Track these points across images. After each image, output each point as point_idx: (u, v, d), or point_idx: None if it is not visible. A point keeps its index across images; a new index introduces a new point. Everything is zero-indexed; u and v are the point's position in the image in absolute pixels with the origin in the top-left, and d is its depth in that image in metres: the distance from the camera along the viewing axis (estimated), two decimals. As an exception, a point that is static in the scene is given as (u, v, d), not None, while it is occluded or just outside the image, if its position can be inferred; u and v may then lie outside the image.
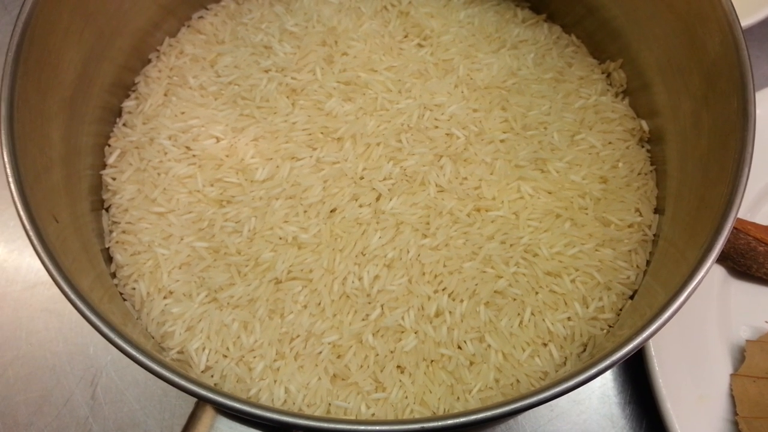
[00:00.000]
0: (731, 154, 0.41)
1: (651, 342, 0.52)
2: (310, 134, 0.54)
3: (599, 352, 0.46)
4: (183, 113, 0.56)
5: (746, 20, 0.68)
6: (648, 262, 0.51)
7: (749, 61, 0.42)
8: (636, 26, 0.55)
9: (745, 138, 0.40)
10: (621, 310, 0.50)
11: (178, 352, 0.47)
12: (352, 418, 0.45)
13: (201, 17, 0.62)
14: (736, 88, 0.42)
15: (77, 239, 0.44)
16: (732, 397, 0.51)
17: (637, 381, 0.55)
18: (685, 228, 0.47)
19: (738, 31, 0.43)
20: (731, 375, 0.52)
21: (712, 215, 0.42)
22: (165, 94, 0.57)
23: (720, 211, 0.41)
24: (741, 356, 0.53)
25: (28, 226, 0.38)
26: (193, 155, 0.54)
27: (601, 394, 0.56)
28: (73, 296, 0.35)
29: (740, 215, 0.59)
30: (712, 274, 0.56)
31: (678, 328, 0.53)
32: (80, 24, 0.48)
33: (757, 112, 0.63)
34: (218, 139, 0.54)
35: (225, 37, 0.60)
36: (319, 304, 0.48)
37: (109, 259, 0.51)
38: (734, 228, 0.54)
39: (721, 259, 0.57)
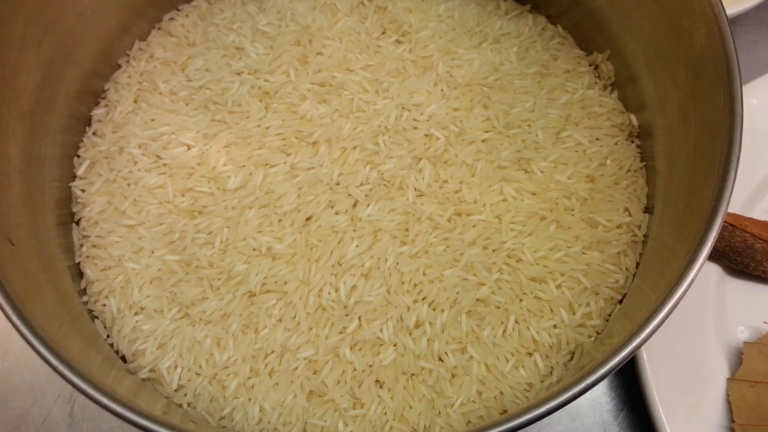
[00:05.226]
0: (718, 156, 0.38)
1: (643, 346, 0.50)
2: (284, 139, 0.52)
3: (587, 360, 0.45)
4: (153, 120, 0.54)
5: (743, 4, 0.65)
6: (637, 264, 0.49)
7: (736, 56, 0.40)
8: (621, 17, 0.53)
9: (732, 137, 0.38)
10: (609, 315, 0.48)
11: (150, 371, 0.45)
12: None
13: (172, 19, 0.60)
14: (722, 84, 0.40)
15: (37, 259, 0.43)
16: (729, 403, 0.49)
17: (631, 386, 0.53)
18: (675, 227, 0.45)
19: (724, 24, 0.41)
20: (728, 379, 0.50)
21: (699, 218, 0.40)
22: (135, 101, 0.56)
23: (706, 215, 0.39)
24: (738, 359, 0.51)
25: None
26: (164, 164, 0.52)
27: (593, 400, 0.54)
28: (22, 328, 0.33)
29: (737, 210, 0.56)
30: (707, 274, 0.54)
31: (672, 330, 0.51)
32: (37, 34, 0.46)
33: (753, 101, 0.61)
34: (189, 147, 0.52)
35: (196, 39, 0.58)
36: (294, 317, 0.46)
37: (80, 275, 0.49)
38: (730, 225, 0.52)
39: (717, 258, 0.54)
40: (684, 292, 0.38)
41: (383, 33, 0.58)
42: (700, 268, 0.38)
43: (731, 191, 0.38)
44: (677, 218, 0.45)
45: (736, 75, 0.39)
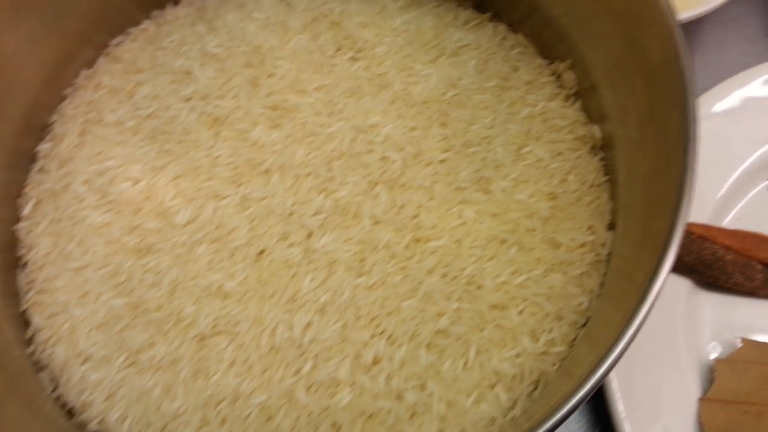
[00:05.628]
0: (673, 180, 0.37)
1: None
2: (234, 168, 0.50)
3: (554, 391, 0.43)
4: (100, 154, 0.52)
5: (711, 3, 0.63)
6: (601, 285, 0.47)
7: (691, 73, 0.38)
8: (579, 26, 0.51)
9: (685, 163, 0.36)
10: (574, 341, 0.46)
11: (99, 423, 0.44)
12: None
13: (119, 44, 0.58)
14: (677, 102, 0.38)
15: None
16: (700, 425, 0.48)
17: (599, 408, 0.52)
18: (636, 243, 0.44)
19: (679, 38, 0.39)
20: (699, 399, 0.49)
21: (658, 236, 0.38)
22: (81, 133, 0.54)
23: (664, 236, 0.37)
24: (711, 377, 0.49)
25: None
26: (110, 200, 0.50)
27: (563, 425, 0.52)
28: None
29: (706, 220, 0.55)
30: (676, 288, 0.53)
31: (641, 349, 0.50)
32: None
33: (722, 105, 0.60)
34: (136, 181, 0.51)
35: (144, 65, 0.56)
36: (247, 360, 0.44)
37: (26, 324, 0.48)
38: (699, 237, 0.50)
39: (686, 272, 0.53)
40: (647, 313, 0.36)
41: (338, 50, 0.56)
42: (660, 290, 0.36)
43: (687, 216, 0.36)
44: (639, 233, 0.44)
45: (690, 94, 0.37)
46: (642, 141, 0.44)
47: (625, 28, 0.45)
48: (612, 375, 0.49)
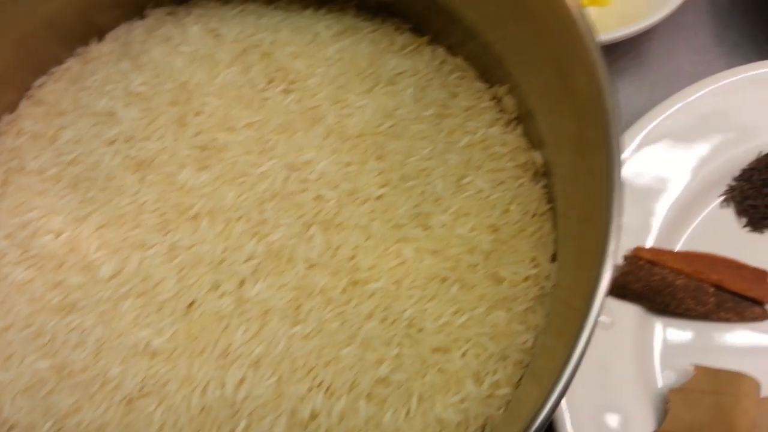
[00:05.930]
0: (600, 227, 0.35)
1: (564, 403, 0.47)
2: (161, 215, 0.48)
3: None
4: (22, 204, 0.50)
5: (660, 13, 0.62)
6: (547, 318, 0.46)
7: (616, 113, 0.36)
8: (513, 53, 0.49)
9: (609, 212, 0.34)
10: (520, 381, 0.44)
11: (22, 498, 0.41)
12: None
13: (42, 85, 0.55)
14: (602, 143, 0.36)
15: None
16: (653, 460, 0.46)
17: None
18: (573, 271, 0.42)
19: (603, 75, 0.37)
20: (653, 432, 0.47)
21: (591, 268, 0.37)
22: (3, 184, 0.51)
23: (595, 269, 0.36)
24: (665, 408, 0.48)
25: None
26: (32, 255, 0.48)
27: (516, 464, 0.50)
28: None
29: (657, 244, 0.53)
30: (627, 315, 0.51)
31: (593, 381, 0.49)
32: None
33: (669, 120, 0.58)
34: (58, 233, 0.48)
35: (67, 107, 0.53)
36: (176, 423, 0.42)
37: (-53, 390, 0.45)
38: (648, 262, 0.49)
39: (636, 299, 0.51)
40: (588, 339, 0.34)
41: (270, 82, 0.54)
42: (599, 315, 0.35)
43: (617, 245, 0.35)
44: (576, 260, 0.42)
45: (614, 136, 0.35)
46: (575, 169, 0.43)
47: (554, 58, 0.43)
48: (564, 410, 0.48)
